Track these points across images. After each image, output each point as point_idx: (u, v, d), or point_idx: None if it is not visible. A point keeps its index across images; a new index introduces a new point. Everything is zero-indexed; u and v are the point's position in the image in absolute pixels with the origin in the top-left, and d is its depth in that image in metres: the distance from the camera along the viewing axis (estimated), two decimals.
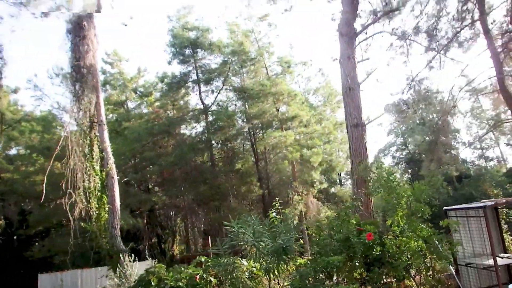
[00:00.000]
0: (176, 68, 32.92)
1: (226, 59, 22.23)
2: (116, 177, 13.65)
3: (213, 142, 24.46)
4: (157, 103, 24.17)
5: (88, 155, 13.42)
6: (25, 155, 20.78)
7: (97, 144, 13.63)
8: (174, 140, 23.98)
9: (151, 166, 24.70)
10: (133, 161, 24.49)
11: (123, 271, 11.61)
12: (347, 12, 13.80)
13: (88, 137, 13.47)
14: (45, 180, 13.99)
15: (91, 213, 13.30)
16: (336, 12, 17.15)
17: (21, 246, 20.54)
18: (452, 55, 14.95)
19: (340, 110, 30.01)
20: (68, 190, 13.09)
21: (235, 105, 23.96)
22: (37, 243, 23.08)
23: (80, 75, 13.45)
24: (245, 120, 24.32)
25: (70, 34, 13.86)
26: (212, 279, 6.91)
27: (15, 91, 18.88)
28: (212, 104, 23.84)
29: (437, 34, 14.49)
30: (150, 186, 27.92)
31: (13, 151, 21.20)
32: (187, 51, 22.45)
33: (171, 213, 29.85)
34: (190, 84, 23.43)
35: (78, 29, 13.53)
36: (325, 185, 26.67)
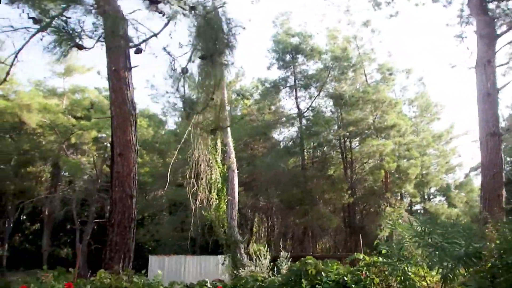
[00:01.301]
0: (274, 73, 33.92)
1: (326, 65, 22.36)
2: (236, 171, 14.42)
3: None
4: (254, 106, 25.05)
5: (211, 148, 14.36)
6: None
7: (220, 138, 14.54)
8: (267, 142, 24.63)
9: (242, 166, 25.62)
10: None
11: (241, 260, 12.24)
12: (479, 14, 13.15)
13: None
14: (169, 169, 15.11)
15: (211, 203, 14.19)
16: (454, 17, 16.46)
17: None
18: None
19: (437, 122, 28.51)
20: (192, 180, 14.15)
21: (331, 111, 23.92)
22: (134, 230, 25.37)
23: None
24: (338, 126, 24.18)
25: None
26: (375, 278, 6.90)
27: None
28: (307, 109, 24.10)
29: None
30: None
31: None
32: (288, 57, 23.02)
33: (249, 213, 30.71)
34: (287, 89, 23.96)
35: None
36: (418, 199, 25.37)
